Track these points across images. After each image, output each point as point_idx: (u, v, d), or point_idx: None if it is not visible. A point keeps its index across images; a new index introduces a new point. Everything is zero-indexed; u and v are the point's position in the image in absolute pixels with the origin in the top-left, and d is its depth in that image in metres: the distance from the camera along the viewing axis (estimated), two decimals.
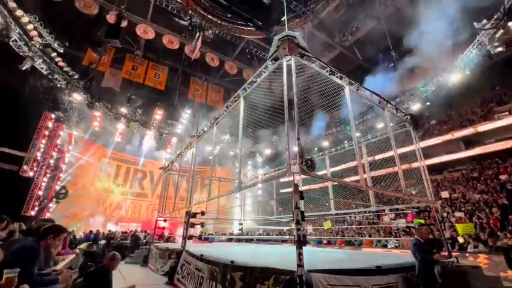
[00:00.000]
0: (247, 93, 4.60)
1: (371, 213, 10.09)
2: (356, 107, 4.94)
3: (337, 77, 4.26)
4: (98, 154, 19.43)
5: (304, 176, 3.31)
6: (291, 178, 3.20)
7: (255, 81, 4.37)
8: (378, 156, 8.35)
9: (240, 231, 14.65)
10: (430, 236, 4.65)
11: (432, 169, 16.07)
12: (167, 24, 17.70)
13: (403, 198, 5.85)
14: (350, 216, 13.40)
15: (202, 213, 7.72)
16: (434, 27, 15.58)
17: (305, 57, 3.72)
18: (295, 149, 3.19)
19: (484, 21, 12.14)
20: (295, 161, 3.22)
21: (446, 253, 5.65)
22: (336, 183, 9.30)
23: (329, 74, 4.17)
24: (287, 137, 3.08)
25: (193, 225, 7.82)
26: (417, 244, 4.10)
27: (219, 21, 16.40)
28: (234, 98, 4.95)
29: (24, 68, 12.61)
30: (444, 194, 14.41)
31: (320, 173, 10.40)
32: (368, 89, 4.85)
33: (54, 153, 16.21)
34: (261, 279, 4.10)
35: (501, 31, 11.59)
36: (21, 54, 12.20)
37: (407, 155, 6.94)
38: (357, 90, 4.61)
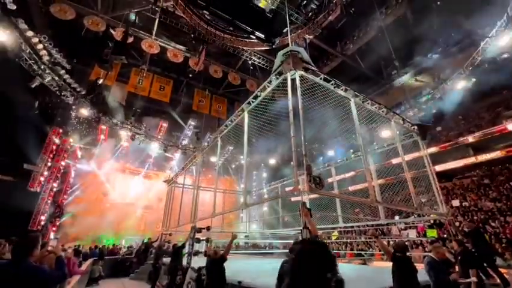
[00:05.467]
0: (251, 107, 4.58)
1: (381, 226, 9.81)
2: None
3: (342, 89, 4.23)
4: (105, 167, 19.54)
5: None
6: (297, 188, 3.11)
7: (259, 96, 4.35)
8: (385, 164, 8.19)
9: (246, 244, 14.42)
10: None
11: (442, 176, 15.72)
12: (171, 38, 18.15)
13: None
14: (359, 227, 13.07)
15: (208, 229, 7.55)
16: (438, 34, 15.62)
17: (309, 70, 3.71)
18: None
19: (487, 28, 12.13)
20: (302, 171, 3.14)
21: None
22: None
23: (334, 87, 4.14)
24: (294, 154, 3.02)
25: (198, 240, 7.66)
26: (432, 263, 3.83)
27: (222, 34, 16.71)
28: (238, 112, 4.93)
29: (34, 86, 12.96)
30: (455, 203, 14.00)
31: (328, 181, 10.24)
32: (374, 101, 4.79)
33: (61, 168, 16.40)
34: None
35: (505, 37, 11.53)
36: (31, 72, 12.55)
37: (415, 163, 6.80)
38: (362, 102, 4.56)
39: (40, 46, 12.30)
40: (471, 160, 15.94)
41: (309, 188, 2.75)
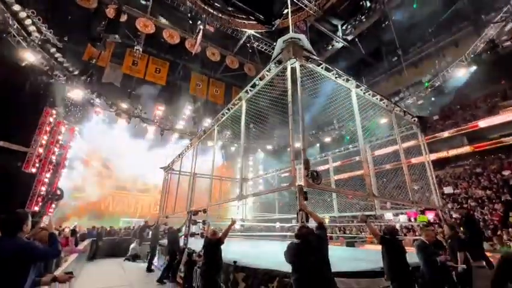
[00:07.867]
0: (249, 96, 4.47)
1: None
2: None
3: (343, 79, 4.13)
4: (100, 149, 19.39)
5: None
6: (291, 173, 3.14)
7: (258, 84, 4.24)
8: (381, 152, 8.30)
9: (242, 227, 14.80)
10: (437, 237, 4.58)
11: (434, 164, 15.97)
12: (167, 18, 17.39)
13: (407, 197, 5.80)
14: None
15: (204, 211, 7.69)
16: (441, 20, 15.20)
17: (310, 59, 3.59)
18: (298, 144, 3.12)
19: (492, 14, 11.81)
20: (298, 162, 3.15)
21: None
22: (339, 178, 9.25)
23: (336, 78, 4.04)
24: (292, 147, 2.99)
25: (195, 222, 7.82)
26: (421, 246, 4.08)
27: (220, 15, 16.06)
28: (236, 100, 4.83)
29: (23, 64, 12.47)
30: (448, 190, 14.39)
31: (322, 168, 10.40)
32: (375, 92, 4.71)
33: (56, 149, 16.21)
34: (264, 281, 4.12)
35: (510, 24, 11.28)
36: (20, 50, 12.02)
37: (410, 151, 6.91)
38: (364, 92, 4.48)
39: (28, 21, 11.67)
40: (443, 154, 16.67)
41: (306, 184, 2.76)
